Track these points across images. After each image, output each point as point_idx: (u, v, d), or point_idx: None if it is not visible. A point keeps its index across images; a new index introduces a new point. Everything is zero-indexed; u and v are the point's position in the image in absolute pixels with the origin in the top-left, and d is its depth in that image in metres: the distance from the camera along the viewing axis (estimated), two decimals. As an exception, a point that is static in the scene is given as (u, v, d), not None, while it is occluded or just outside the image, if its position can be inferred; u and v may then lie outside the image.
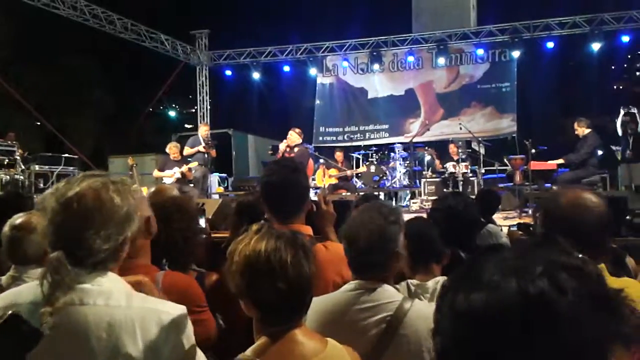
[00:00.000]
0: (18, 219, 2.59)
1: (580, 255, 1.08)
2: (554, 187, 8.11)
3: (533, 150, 8.73)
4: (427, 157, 11.81)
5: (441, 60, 14.14)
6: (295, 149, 9.06)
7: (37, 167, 10.05)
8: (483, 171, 10.70)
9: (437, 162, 11.59)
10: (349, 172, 11.38)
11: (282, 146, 9.21)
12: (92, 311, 1.43)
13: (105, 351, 1.40)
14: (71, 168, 10.75)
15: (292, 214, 2.39)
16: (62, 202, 1.46)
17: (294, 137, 9.15)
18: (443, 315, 0.81)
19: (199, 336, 2.02)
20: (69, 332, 1.40)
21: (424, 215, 3.48)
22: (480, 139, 10.98)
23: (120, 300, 1.46)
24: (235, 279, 1.49)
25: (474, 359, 0.75)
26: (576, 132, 8.62)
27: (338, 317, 1.87)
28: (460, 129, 11.64)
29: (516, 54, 13.44)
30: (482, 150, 10.53)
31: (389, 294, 1.89)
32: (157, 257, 2.16)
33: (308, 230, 2.41)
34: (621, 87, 22.41)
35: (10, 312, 1.21)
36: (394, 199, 11.41)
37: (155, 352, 1.43)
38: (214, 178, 13.20)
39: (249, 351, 1.47)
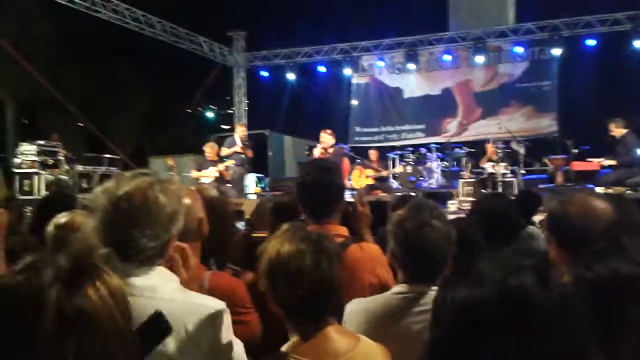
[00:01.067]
0: (62, 218, 2.65)
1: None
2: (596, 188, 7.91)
3: (575, 150, 8.54)
4: (464, 157, 11.65)
5: (479, 59, 13.91)
6: (331, 150, 9.05)
7: (80, 168, 10.28)
8: (523, 171, 10.50)
9: (485, 158, 11.38)
10: (385, 173, 11.33)
11: (317, 152, 9.21)
12: (139, 302, 1.47)
13: None
14: (114, 168, 10.97)
15: (327, 214, 2.39)
16: (113, 201, 1.51)
17: (327, 139, 9.15)
18: (438, 307, 0.86)
19: (244, 337, 2.05)
20: None
21: (462, 216, 3.44)
22: (519, 138, 10.79)
23: (165, 294, 1.51)
24: (261, 279, 1.55)
25: (460, 345, 0.79)
26: (612, 133, 8.40)
27: (392, 320, 1.86)
28: (500, 128, 11.47)
29: (557, 51, 13.15)
30: (522, 150, 10.34)
31: None
32: (202, 257, 2.20)
33: (343, 230, 2.41)
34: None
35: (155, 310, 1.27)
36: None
37: (194, 344, 1.48)
38: (251, 178, 13.32)
39: (283, 348, 1.51)
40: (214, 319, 1.53)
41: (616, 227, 1.75)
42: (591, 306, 0.85)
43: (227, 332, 1.56)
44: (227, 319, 1.58)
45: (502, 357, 0.76)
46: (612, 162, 8.47)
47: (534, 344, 0.75)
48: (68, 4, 11.56)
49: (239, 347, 1.64)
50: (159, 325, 1.30)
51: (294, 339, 1.51)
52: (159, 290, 1.52)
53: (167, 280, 1.58)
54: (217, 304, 1.56)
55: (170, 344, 1.44)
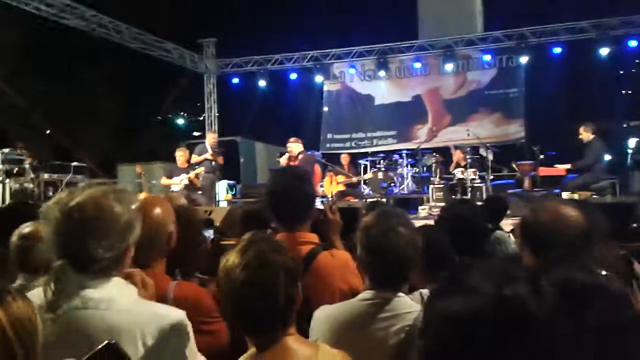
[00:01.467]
0: (26, 228, 2.59)
1: (604, 273, 1.08)
2: (563, 193, 8.06)
3: (542, 156, 8.70)
4: (435, 163, 11.77)
5: (448, 67, 14.12)
6: (300, 156, 9.04)
7: (46, 176, 10.09)
8: (491, 177, 10.65)
9: (453, 164, 11.52)
10: (356, 179, 11.38)
11: (284, 160, 9.20)
12: (94, 315, 1.46)
13: None
14: (80, 176, 10.79)
15: (297, 222, 2.38)
16: (65, 211, 1.48)
17: (294, 147, 9.16)
18: (428, 319, 0.84)
19: (211, 346, 2.03)
20: (72, 336, 1.43)
21: (432, 222, 3.47)
22: (488, 144, 10.95)
23: (122, 305, 1.49)
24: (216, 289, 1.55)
25: (454, 358, 0.77)
26: (581, 137, 8.58)
27: (356, 327, 1.86)
28: (468, 135, 11.61)
29: (524, 59, 13.40)
30: (490, 156, 10.49)
31: (407, 304, 1.89)
32: (168, 267, 2.18)
33: (314, 238, 2.40)
34: (629, 92, 22.28)
35: (106, 341, 1.22)
36: (402, 206, 11.37)
37: (155, 356, 1.46)
38: (222, 185, 13.23)
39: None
40: (175, 329, 1.51)
41: (587, 233, 1.79)
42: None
43: (189, 343, 1.54)
44: (189, 329, 1.56)
45: None
46: (568, 166, 8.63)
47: (532, 354, 0.74)
48: (33, 10, 11.36)
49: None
50: (113, 358, 1.24)
51: (249, 351, 1.51)
52: (116, 301, 1.49)
53: (124, 291, 1.55)
54: (178, 314, 1.54)
55: (130, 356, 1.40)
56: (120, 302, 1.50)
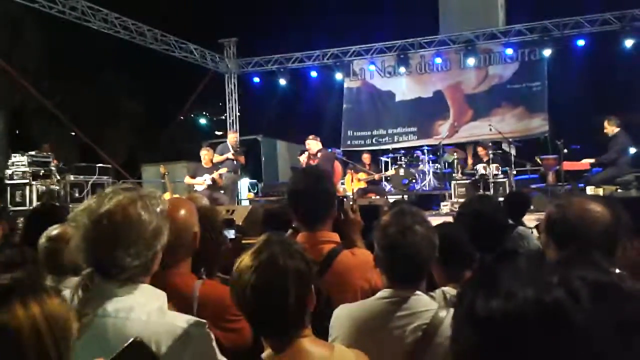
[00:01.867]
0: (54, 230, 2.66)
1: (617, 271, 1.08)
2: (586, 188, 7.96)
3: (565, 150, 8.59)
4: (457, 159, 11.70)
5: (469, 61, 14.00)
6: (319, 155, 9.06)
7: (72, 177, 10.24)
8: (514, 172, 10.55)
9: (470, 162, 11.47)
10: (377, 176, 11.37)
11: (303, 158, 9.22)
12: (113, 323, 1.48)
13: None
14: (105, 177, 10.94)
15: (318, 221, 2.40)
16: (94, 219, 1.50)
17: (312, 144, 9.17)
18: (461, 322, 0.83)
19: (236, 344, 2.07)
20: (91, 342, 1.45)
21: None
22: (510, 139, 10.84)
23: (141, 314, 1.50)
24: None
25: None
26: (605, 131, 8.45)
27: (375, 325, 1.88)
28: (490, 130, 11.51)
29: (547, 52, 13.22)
30: (513, 151, 10.40)
31: (424, 303, 1.89)
32: (194, 266, 2.23)
33: (335, 237, 2.43)
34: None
35: (133, 337, 1.23)
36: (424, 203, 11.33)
37: None
38: (244, 184, 13.32)
39: None
40: (191, 340, 1.50)
41: (613, 230, 1.78)
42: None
43: (207, 353, 1.55)
44: (209, 339, 1.56)
45: None
46: (592, 161, 8.51)
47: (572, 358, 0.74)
48: (58, 14, 11.55)
49: None
50: (138, 355, 1.23)
51: (266, 352, 1.52)
52: (135, 310, 1.50)
53: (149, 299, 1.56)
54: (195, 324, 1.54)
55: None
56: (139, 311, 1.50)
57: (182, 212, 2.12)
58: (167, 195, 9.65)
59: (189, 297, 2.03)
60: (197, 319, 1.60)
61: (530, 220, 5.98)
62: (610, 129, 8.35)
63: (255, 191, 13.93)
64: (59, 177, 9.96)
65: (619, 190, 7.65)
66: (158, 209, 1.59)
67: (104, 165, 11.47)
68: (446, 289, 2.24)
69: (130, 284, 1.53)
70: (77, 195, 9.92)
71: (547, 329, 0.74)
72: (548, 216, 1.92)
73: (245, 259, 1.52)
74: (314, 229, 2.38)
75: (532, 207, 8.68)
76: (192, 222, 2.13)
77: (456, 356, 0.83)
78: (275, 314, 1.48)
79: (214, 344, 1.59)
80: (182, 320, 1.55)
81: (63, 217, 3.19)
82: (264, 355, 1.52)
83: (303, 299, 1.51)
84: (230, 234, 3.30)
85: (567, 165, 8.57)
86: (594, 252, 1.48)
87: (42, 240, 2.64)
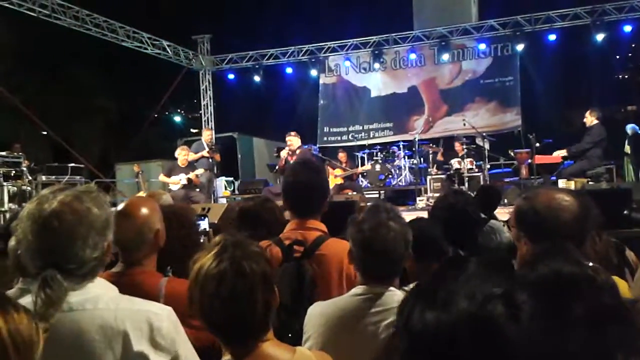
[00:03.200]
0: (23, 232, 2.61)
1: (591, 264, 1.10)
2: (559, 181, 8.08)
3: (537, 144, 8.70)
4: (432, 154, 11.79)
5: (444, 57, 14.13)
6: (298, 152, 9.04)
7: (44, 178, 10.08)
8: (488, 166, 10.67)
9: (439, 154, 11.59)
10: (354, 171, 11.39)
11: (284, 153, 9.19)
12: (82, 316, 1.48)
13: (100, 352, 1.46)
14: (78, 177, 10.79)
15: (311, 211, 2.50)
16: (41, 222, 1.49)
17: (294, 141, 9.13)
18: (401, 327, 0.83)
19: (204, 342, 2.05)
20: (63, 339, 1.45)
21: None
22: (484, 134, 10.96)
23: (108, 304, 1.52)
24: (188, 296, 1.50)
25: None
26: (584, 120, 8.51)
27: (349, 322, 1.88)
28: (464, 124, 11.62)
29: (519, 47, 13.38)
30: (487, 146, 10.51)
31: (398, 298, 1.89)
32: (160, 265, 2.21)
33: (323, 227, 2.50)
34: (626, 77, 22.29)
35: None
36: (400, 198, 11.41)
37: (146, 350, 1.49)
38: (220, 182, 13.25)
39: None
40: (165, 321, 1.54)
41: (582, 220, 1.80)
42: (535, 307, 0.86)
43: (180, 333, 1.58)
44: (177, 323, 1.60)
45: None
46: (564, 154, 8.61)
47: None
48: (27, 11, 11.34)
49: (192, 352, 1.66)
50: None
51: (225, 357, 1.48)
52: (102, 299, 1.53)
53: (107, 289, 1.60)
54: (164, 309, 1.59)
55: (122, 351, 1.46)
56: (106, 300, 1.53)
57: (143, 210, 2.13)
58: (142, 195, 9.56)
59: (155, 295, 2.01)
60: (162, 305, 1.62)
61: (504, 214, 6.06)
62: (590, 119, 8.40)
63: (232, 189, 13.87)
64: (30, 178, 9.78)
65: (590, 183, 7.77)
66: (103, 202, 1.61)
67: (77, 165, 11.30)
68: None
69: (89, 278, 1.55)
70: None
71: (478, 344, 0.73)
72: (517, 209, 1.94)
73: (205, 265, 1.45)
74: (305, 218, 2.47)
75: (505, 201, 8.84)
76: (153, 219, 2.13)
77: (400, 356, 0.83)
78: (243, 322, 1.44)
79: (181, 327, 1.61)
80: (149, 305, 1.59)
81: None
82: None
83: (269, 303, 1.48)
84: (204, 223, 3.30)
85: (540, 159, 8.69)
86: (567, 245, 1.49)
87: (12, 242, 2.60)
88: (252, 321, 1.45)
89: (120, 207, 2.16)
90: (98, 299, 1.52)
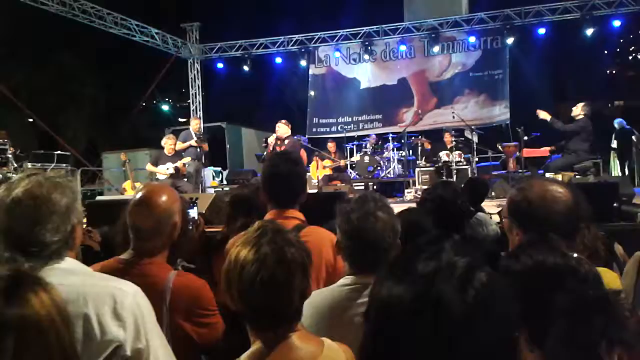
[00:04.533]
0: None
1: (575, 255, 1.10)
2: (547, 174, 8.12)
3: (525, 137, 8.73)
4: (420, 146, 11.81)
5: (434, 49, 14.15)
6: (286, 141, 9.00)
7: (29, 165, 9.98)
8: (477, 159, 10.71)
9: (426, 143, 11.62)
10: (342, 163, 11.39)
11: (272, 139, 9.13)
12: (61, 288, 1.47)
13: None
14: (64, 165, 10.69)
15: (290, 201, 2.52)
16: (4, 207, 1.56)
17: (282, 129, 9.07)
18: (369, 302, 0.87)
19: (207, 338, 2.04)
20: None
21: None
22: (472, 127, 10.99)
23: (74, 280, 1.55)
24: (222, 281, 1.49)
25: (384, 344, 0.81)
26: (573, 109, 8.48)
27: (337, 312, 1.87)
28: (453, 117, 11.64)
29: (508, 41, 13.41)
30: (475, 138, 10.54)
31: None
32: (169, 257, 2.18)
33: (301, 216, 2.52)
34: (614, 72, 22.44)
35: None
36: (389, 190, 11.42)
37: (108, 320, 1.51)
38: (208, 172, 13.19)
39: (244, 356, 1.46)
40: (129, 302, 1.57)
41: (575, 211, 1.80)
42: (519, 297, 0.86)
43: (142, 316, 1.59)
44: (144, 303, 1.62)
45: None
46: (551, 148, 8.64)
47: (442, 354, 0.75)
48: (13, -4, 11.18)
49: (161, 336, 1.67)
50: None
51: (254, 347, 1.47)
52: (68, 276, 1.55)
53: (77, 266, 1.65)
54: (131, 287, 1.61)
55: (82, 327, 1.48)
56: (72, 277, 1.56)
57: (164, 198, 2.06)
58: (128, 184, 9.48)
59: (162, 287, 1.97)
60: (130, 283, 1.64)
61: (491, 206, 6.07)
62: (577, 112, 8.35)
63: (220, 179, 13.82)
64: (16, 165, 9.68)
65: (576, 177, 7.82)
66: (66, 186, 1.64)
67: (63, 153, 11.19)
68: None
69: (55, 259, 1.59)
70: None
71: (420, 317, 0.75)
72: (510, 199, 1.93)
73: (244, 251, 1.45)
74: (285, 208, 2.49)
75: (493, 194, 8.89)
76: (173, 210, 2.07)
77: (364, 335, 0.87)
78: (280, 308, 1.44)
79: (151, 312, 1.63)
80: (115, 280, 1.63)
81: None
82: (250, 351, 1.47)
83: (304, 293, 1.48)
84: (194, 211, 3.27)
85: (527, 152, 8.73)
86: (551, 236, 1.49)
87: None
88: (288, 308, 1.45)
89: (139, 194, 2.09)
90: (65, 276, 1.54)
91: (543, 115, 8.20)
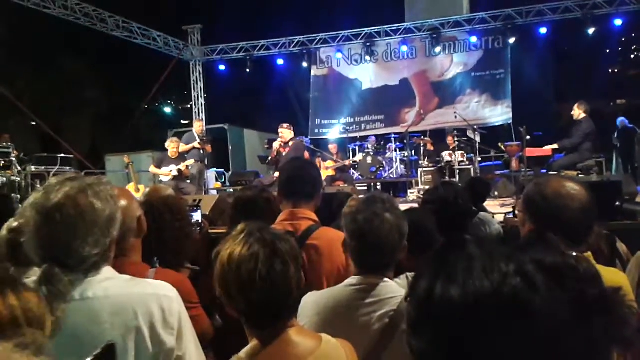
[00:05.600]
0: (15, 221, 2.60)
1: (573, 254, 1.10)
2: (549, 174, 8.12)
3: (528, 137, 8.72)
4: (423, 146, 11.81)
5: (435, 49, 14.15)
6: (290, 143, 9.03)
7: (33, 168, 10.01)
8: (479, 159, 10.70)
9: (428, 145, 11.62)
10: (346, 163, 11.40)
11: (276, 144, 9.17)
12: (93, 303, 1.48)
13: (114, 338, 1.43)
14: (67, 168, 10.71)
15: (307, 200, 2.56)
16: (44, 213, 1.46)
17: (286, 133, 9.11)
18: (419, 309, 0.81)
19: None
20: (75, 327, 1.44)
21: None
22: (475, 126, 10.98)
23: (119, 289, 1.52)
24: (216, 284, 1.50)
25: (449, 352, 0.76)
26: (572, 113, 8.54)
27: (342, 312, 1.88)
28: (455, 117, 11.64)
29: (510, 40, 13.41)
30: (478, 138, 10.53)
31: (392, 289, 1.89)
32: (149, 255, 2.20)
33: (314, 216, 2.54)
34: (616, 71, 22.42)
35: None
36: (391, 190, 11.43)
37: (160, 330, 1.51)
38: (211, 174, 13.20)
39: (242, 353, 1.48)
40: (175, 299, 1.58)
41: (588, 209, 1.80)
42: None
43: (183, 314, 1.60)
44: (182, 303, 1.62)
45: None
46: (555, 146, 8.66)
47: (534, 343, 0.73)
48: (16, 1, 11.21)
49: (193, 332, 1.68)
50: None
51: (252, 343, 1.49)
52: (111, 286, 1.53)
53: (115, 275, 1.59)
54: (172, 291, 1.61)
55: (138, 334, 1.47)
56: (116, 286, 1.53)
57: (121, 200, 2.07)
58: (131, 186, 9.50)
59: None
60: (168, 285, 1.63)
61: (494, 206, 6.09)
62: (578, 112, 8.41)
63: (223, 180, 13.83)
64: (19, 168, 9.71)
65: (580, 176, 7.82)
66: (109, 196, 1.57)
67: (66, 156, 11.21)
68: (411, 274, 2.25)
69: (93, 272, 1.53)
70: (38, 186, 9.64)
71: (507, 319, 0.73)
72: (526, 194, 1.93)
73: (236, 250, 1.46)
74: (299, 207, 2.52)
75: (496, 194, 8.89)
76: (133, 207, 2.06)
77: (415, 340, 0.82)
78: (280, 302, 1.46)
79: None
80: (157, 286, 1.61)
81: (14, 209, 3.11)
82: (248, 347, 1.49)
83: (299, 283, 1.50)
84: (197, 215, 3.29)
85: (530, 152, 8.70)
86: (549, 235, 1.49)
87: (4, 232, 2.58)
88: (288, 300, 1.48)
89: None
90: (107, 286, 1.51)
91: (548, 148, 8.35)
